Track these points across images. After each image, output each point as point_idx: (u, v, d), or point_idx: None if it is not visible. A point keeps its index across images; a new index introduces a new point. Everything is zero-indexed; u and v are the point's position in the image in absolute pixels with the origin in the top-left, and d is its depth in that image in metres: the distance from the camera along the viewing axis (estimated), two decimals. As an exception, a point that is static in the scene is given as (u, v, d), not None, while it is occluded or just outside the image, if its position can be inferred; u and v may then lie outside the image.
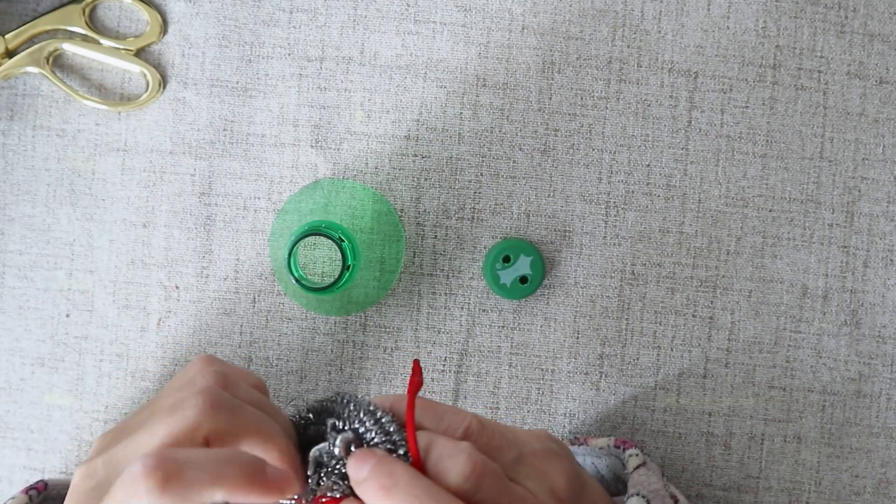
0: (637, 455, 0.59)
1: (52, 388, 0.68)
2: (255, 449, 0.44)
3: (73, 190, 0.68)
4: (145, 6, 0.67)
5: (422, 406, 0.48)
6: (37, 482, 0.61)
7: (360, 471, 0.45)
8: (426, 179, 0.68)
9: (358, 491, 0.45)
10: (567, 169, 0.68)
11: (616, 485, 0.62)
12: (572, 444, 0.65)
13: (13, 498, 0.59)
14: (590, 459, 0.63)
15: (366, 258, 0.67)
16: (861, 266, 0.69)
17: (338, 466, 0.46)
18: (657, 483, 0.56)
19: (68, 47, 0.67)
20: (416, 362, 0.47)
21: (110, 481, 0.43)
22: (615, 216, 0.68)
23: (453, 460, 0.45)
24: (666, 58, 0.68)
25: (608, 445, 0.62)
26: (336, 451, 0.46)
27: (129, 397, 0.68)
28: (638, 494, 0.55)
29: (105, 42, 0.67)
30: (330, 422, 0.47)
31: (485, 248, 0.68)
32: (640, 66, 0.68)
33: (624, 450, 0.60)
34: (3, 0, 0.68)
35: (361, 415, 0.47)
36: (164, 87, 0.68)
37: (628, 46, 0.68)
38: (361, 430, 0.47)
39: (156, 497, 0.39)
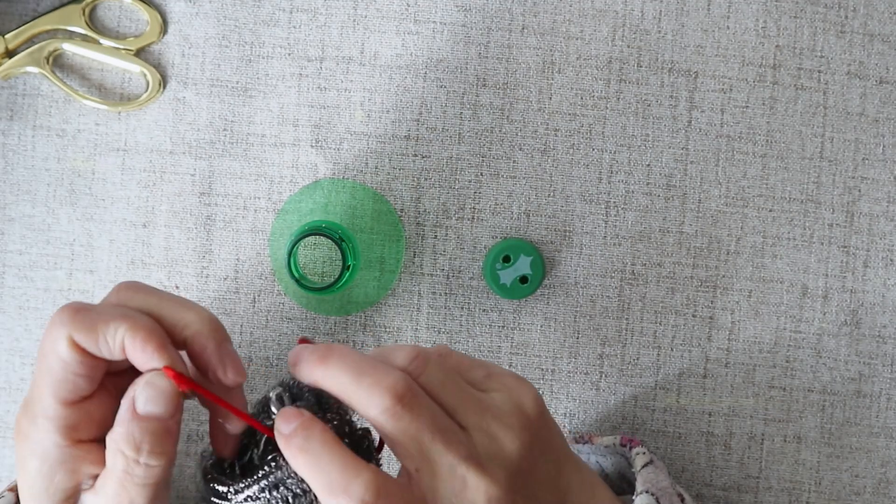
0: (644, 453, 0.59)
1: (52, 388, 0.68)
2: (125, 332, 0.47)
3: (73, 190, 0.68)
4: (145, 6, 0.67)
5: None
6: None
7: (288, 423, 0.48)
8: (426, 179, 0.68)
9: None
10: (567, 169, 0.68)
11: (621, 483, 0.62)
12: (577, 441, 0.65)
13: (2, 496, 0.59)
14: (594, 458, 0.63)
15: (366, 258, 0.67)
16: (861, 266, 0.69)
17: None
18: (665, 481, 0.56)
19: (68, 47, 0.67)
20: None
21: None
22: (615, 216, 0.68)
23: (397, 352, 0.49)
24: (666, 58, 0.68)
25: (614, 444, 0.62)
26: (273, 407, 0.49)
27: (129, 397, 0.68)
28: (647, 492, 0.55)
29: (105, 42, 0.67)
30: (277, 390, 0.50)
31: (485, 247, 0.68)
32: (640, 66, 0.68)
33: (630, 448, 0.60)
34: (3, 0, 0.68)
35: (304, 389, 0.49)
36: (164, 87, 0.68)
37: (628, 46, 0.68)
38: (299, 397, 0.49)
39: (68, 323, 0.46)
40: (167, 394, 0.47)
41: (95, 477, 0.48)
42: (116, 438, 0.47)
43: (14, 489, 0.57)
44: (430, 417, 0.47)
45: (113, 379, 0.50)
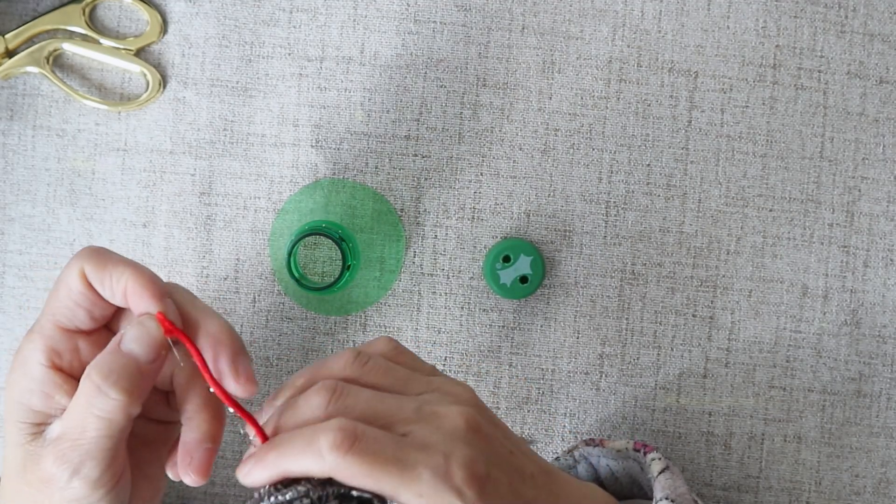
0: (659, 459, 0.58)
1: (52, 387, 0.68)
2: (129, 277, 0.50)
3: (73, 190, 0.68)
4: (145, 6, 0.67)
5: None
6: None
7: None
8: (426, 179, 0.68)
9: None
10: (567, 169, 0.68)
11: (631, 488, 0.62)
12: (587, 444, 0.64)
13: None
14: (605, 461, 0.62)
15: (366, 258, 0.67)
16: (861, 266, 0.69)
17: None
18: (682, 487, 0.56)
19: (68, 47, 0.67)
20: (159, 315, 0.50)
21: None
22: (615, 216, 0.68)
23: (332, 361, 0.50)
24: (666, 57, 0.68)
25: (626, 448, 0.61)
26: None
27: (130, 397, 0.68)
28: (667, 499, 0.54)
29: (105, 42, 0.67)
30: None
31: (485, 247, 0.68)
32: (640, 66, 0.68)
33: (645, 454, 0.60)
34: (3, 0, 0.68)
35: None
36: (164, 87, 0.68)
37: (628, 46, 0.68)
38: None
39: (84, 257, 0.49)
40: (153, 337, 0.49)
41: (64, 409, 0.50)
42: (92, 364, 0.49)
43: None
44: (370, 393, 0.48)
45: (110, 335, 0.51)
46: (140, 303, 0.49)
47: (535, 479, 0.50)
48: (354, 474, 0.45)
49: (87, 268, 0.50)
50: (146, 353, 0.49)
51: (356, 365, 0.49)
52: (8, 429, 0.50)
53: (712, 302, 0.68)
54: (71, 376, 0.50)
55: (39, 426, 0.50)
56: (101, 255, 0.50)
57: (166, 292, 0.50)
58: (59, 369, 0.50)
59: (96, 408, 0.48)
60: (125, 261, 0.50)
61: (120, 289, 0.50)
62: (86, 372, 0.49)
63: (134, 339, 0.49)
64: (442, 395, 0.49)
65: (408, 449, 0.46)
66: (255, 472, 0.47)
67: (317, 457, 0.45)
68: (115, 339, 0.49)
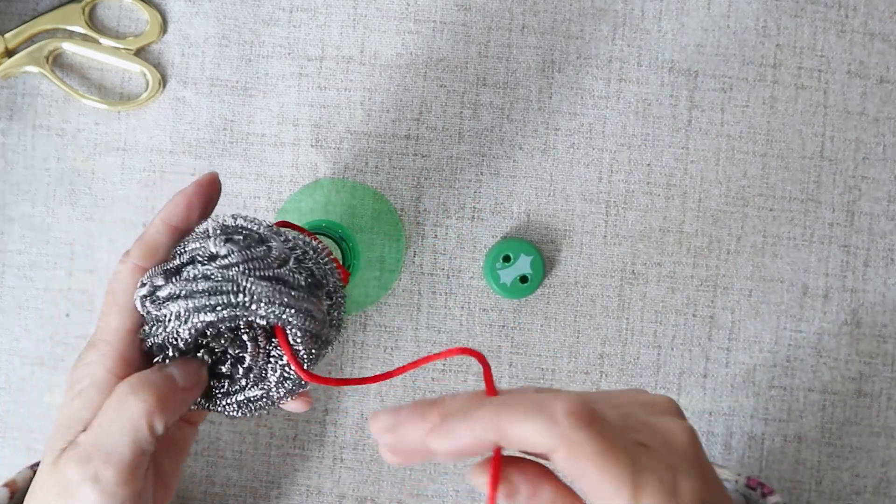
0: None
1: (52, 387, 0.68)
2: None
3: (73, 189, 0.68)
4: (145, 5, 0.67)
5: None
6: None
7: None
8: (426, 179, 0.68)
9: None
10: (567, 168, 0.68)
11: None
12: None
13: (19, 472, 0.61)
14: None
15: (366, 258, 0.67)
16: (861, 265, 0.69)
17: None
18: None
19: (68, 46, 0.67)
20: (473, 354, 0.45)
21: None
22: (615, 215, 0.68)
23: (556, 402, 0.41)
24: (666, 57, 0.68)
25: (736, 481, 0.57)
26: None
27: (129, 397, 0.68)
28: None
29: (105, 41, 0.67)
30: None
31: (485, 247, 0.68)
32: (641, 65, 0.68)
33: (763, 494, 0.56)
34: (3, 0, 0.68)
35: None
36: (164, 87, 0.68)
37: (628, 45, 0.68)
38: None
39: (134, 255, 0.51)
40: (193, 365, 0.50)
41: None
42: (130, 376, 0.49)
43: (9, 485, 0.58)
44: (591, 402, 0.41)
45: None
46: (176, 206, 0.52)
47: None
48: (587, 452, 0.39)
49: (135, 257, 0.51)
50: (184, 378, 0.50)
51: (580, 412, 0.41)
52: (46, 454, 0.51)
53: (712, 301, 0.68)
54: None
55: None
56: (138, 240, 0.52)
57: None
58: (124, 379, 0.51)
59: (126, 412, 0.48)
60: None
61: (164, 229, 0.52)
62: (121, 382, 0.49)
63: (176, 364, 0.50)
64: (655, 409, 0.44)
65: (639, 450, 0.40)
66: (458, 430, 0.40)
67: (549, 421, 0.39)
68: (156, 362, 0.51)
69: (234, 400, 0.52)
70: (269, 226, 0.51)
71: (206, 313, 0.48)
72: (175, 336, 0.49)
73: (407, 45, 0.68)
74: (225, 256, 0.49)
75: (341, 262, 0.62)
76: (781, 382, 0.68)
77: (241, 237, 0.50)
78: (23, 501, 0.54)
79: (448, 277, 0.68)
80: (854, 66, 0.68)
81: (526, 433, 0.39)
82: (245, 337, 0.50)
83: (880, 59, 0.68)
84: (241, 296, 0.48)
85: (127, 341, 0.50)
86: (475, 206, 0.68)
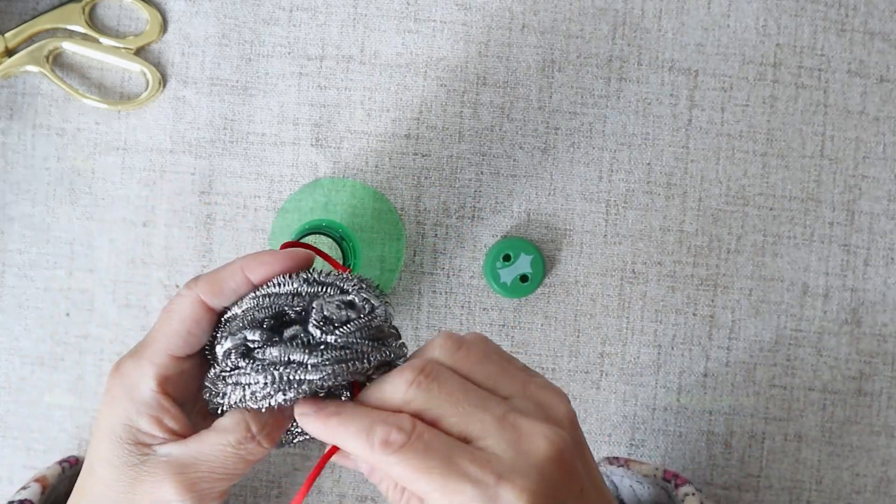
0: (693, 495, 0.57)
1: (52, 387, 0.68)
2: (241, 260, 0.52)
3: (73, 189, 0.68)
4: (145, 5, 0.67)
5: None
6: (69, 457, 0.66)
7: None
8: (426, 178, 0.68)
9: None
10: (567, 167, 0.68)
11: None
12: (610, 463, 0.63)
13: (48, 467, 0.63)
14: (628, 482, 0.61)
15: (366, 257, 0.67)
16: (862, 264, 0.69)
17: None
18: None
19: (68, 46, 0.67)
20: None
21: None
22: (615, 215, 0.68)
23: (430, 345, 0.48)
24: (666, 56, 0.68)
25: (655, 475, 0.59)
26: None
27: (130, 396, 0.68)
28: None
29: (105, 41, 0.67)
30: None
31: (485, 246, 0.68)
32: (641, 65, 0.68)
33: (676, 485, 0.58)
34: (3, -1, 0.68)
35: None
36: (164, 86, 0.68)
37: (629, 45, 0.68)
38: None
39: (196, 287, 0.51)
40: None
41: (171, 432, 0.51)
42: (251, 414, 0.50)
43: (40, 479, 0.59)
44: (459, 385, 0.46)
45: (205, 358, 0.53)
46: (262, 265, 0.51)
47: None
48: (397, 473, 0.44)
49: (201, 290, 0.51)
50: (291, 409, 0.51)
51: (449, 348, 0.47)
52: (112, 450, 0.51)
53: (713, 301, 0.68)
54: (176, 400, 0.52)
55: (148, 447, 0.51)
56: (210, 275, 0.51)
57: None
58: (167, 394, 0.51)
59: (247, 451, 0.50)
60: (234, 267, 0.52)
61: (240, 279, 0.51)
62: (238, 415, 0.50)
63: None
64: (535, 406, 0.46)
65: (464, 459, 0.43)
66: (312, 423, 0.47)
67: (367, 447, 0.44)
68: None
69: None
70: (340, 276, 0.51)
71: (326, 380, 0.47)
72: (279, 396, 0.48)
73: (407, 44, 0.68)
74: (344, 323, 0.48)
75: (341, 262, 0.62)
76: (782, 381, 0.68)
77: (351, 299, 0.49)
78: (54, 496, 0.57)
79: (448, 277, 0.68)
80: (854, 65, 0.68)
81: (350, 450, 0.45)
82: (348, 392, 0.49)
83: (880, 58, 0.68)
84: (364, 363, 0.48)
85: (167, 365, 0.51)
86: (475, 206, 0.68)
